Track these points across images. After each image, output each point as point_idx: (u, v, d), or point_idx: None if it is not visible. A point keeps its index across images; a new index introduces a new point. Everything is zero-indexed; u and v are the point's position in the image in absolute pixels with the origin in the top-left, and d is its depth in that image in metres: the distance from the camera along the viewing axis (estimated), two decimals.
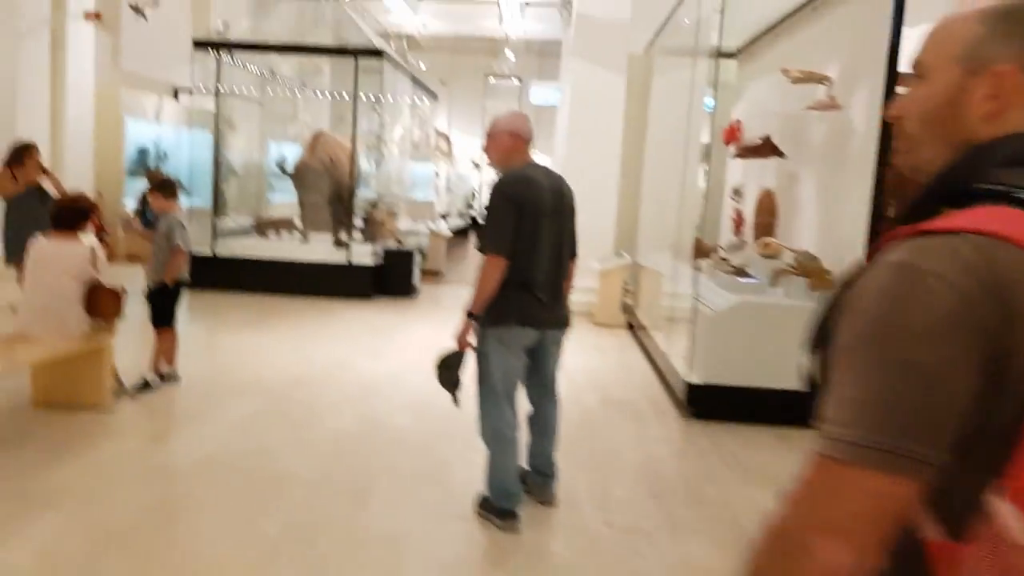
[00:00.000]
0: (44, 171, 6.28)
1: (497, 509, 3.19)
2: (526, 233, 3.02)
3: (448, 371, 3.10)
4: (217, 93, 9.03)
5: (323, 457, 3.82)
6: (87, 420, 4.11)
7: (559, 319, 3.26)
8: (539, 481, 3.45)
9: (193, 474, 3.52)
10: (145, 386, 4.63)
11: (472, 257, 14.95)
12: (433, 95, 13.35)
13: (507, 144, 3.16)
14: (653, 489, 3.68)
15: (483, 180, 20.13)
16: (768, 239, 5.60)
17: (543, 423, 3.44)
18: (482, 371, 3.13)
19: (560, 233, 3.20)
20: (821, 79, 5.20)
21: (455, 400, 3.18)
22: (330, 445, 4.00)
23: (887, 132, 4.40)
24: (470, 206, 19.84)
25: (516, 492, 3.22)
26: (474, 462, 3.81)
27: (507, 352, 3.09)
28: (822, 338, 0.90)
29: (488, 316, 3.03)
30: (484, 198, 19.46)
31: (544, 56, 20.50)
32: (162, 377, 4.76)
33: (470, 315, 3.03)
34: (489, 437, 3.18)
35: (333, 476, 3.59)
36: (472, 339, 3.07)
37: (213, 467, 3.60)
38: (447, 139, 16.97)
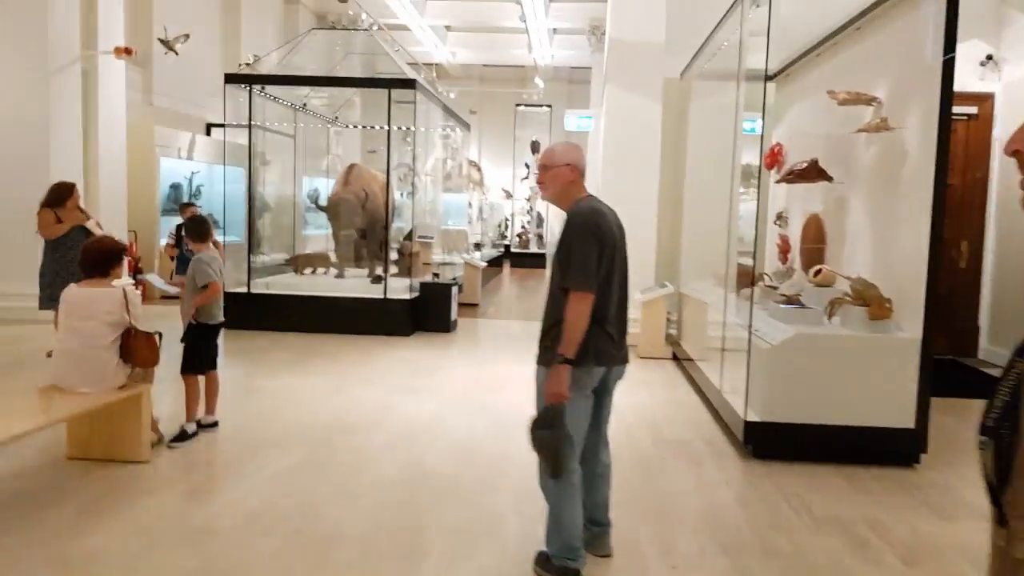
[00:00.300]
0: (82, 212, 6.29)
1: (559, 568, 3.01)
2: (604, 267, 2.93)
3: (550, 432, 2.84)
4: (249, 127, 9.08)
5: (370, 512, 3.68)
6: (124, 474, 4.02)
7: (624, 355, 3.14)
8: (596, 532, 3.26)
9: (235, 534, 3.39)
10: (182, 436, 4.54)
11: (508, 288, 14.83)
12: (465, 125, 13.37)
13: (566, 176, 3.05)
14: (721, 540, 3.46)
15: (515, 209, 20.10)
16: (821, 266, 5.37)
17: (601, 468, 3.26)
18: None
19: (624, 266, 3.11)
20: (869, 100, 5.01)
21: (558, 469, 2.89)
22: (377, 498, 3.86)
23: (944, 154, 4.20)
24: (503, 235, 19.78)
25: (580, 547, 3.04)
26: (528, 515, 3.65)
27: (579, 394, 2.94)
28: (1003, 420, 0.76)
29: (554, 357, 2.88)
30: (516, 227, 19.48)
31: (573, 83, 20.56)
32: (200, 425, 4.68)
33: (566, 360, 2.84)
34: (554, 488, 3.00)
35: (382, 534, 3.44)
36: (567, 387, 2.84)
37: (256, 526, 3.47)
38: (478, 168, 17.00)
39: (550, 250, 19.50)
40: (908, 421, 4.39)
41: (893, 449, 4.48)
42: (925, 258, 4.26)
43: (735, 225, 5.71)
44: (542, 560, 3.10)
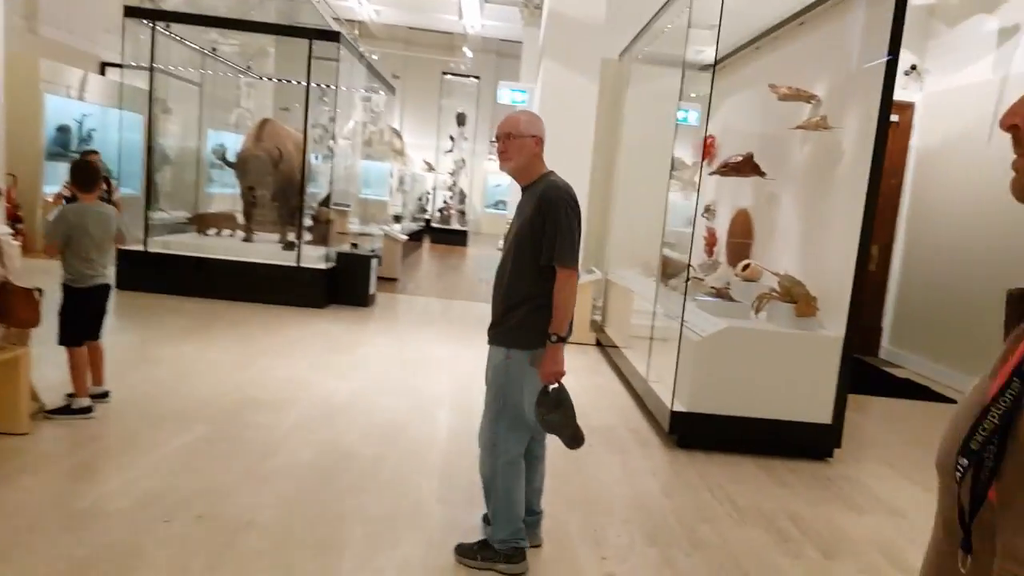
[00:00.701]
0: None
1: (509, 551, 2.91)
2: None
3: (558, 413, 2.79)
4: (151, 69, 8.28)
5: (283, 497, 3.40)
6: None
7: (569, 334, 3.03)
8: (529, 521, 3.13)
9: (128, 520, 3.04)
10: (65, 408, 4.08)
11: (428, 264, 14.50)
12: (390, 88, 12.83)
13: (532, 149, 2.89)
14: (649, 531, 3.42)
15: (437, 183, 19.61)
16: (749, 261, 5.43)
17: (539, 450, 3.16)
18: (510, 399, 2.87)
19: None
20: (809, 97, 5.06)
21: (578, 440, 2.86)
22: (290, 482, 3.57)
23: (880, 157, 4.27)
24: (423, 209, 19.28)
25: (523, 527, 2.97)
26: (453, 502, 3.51)
27: (536, 376, 2.83)
28: (988, 444, 0.75)
29: (524, 337, 2.81)
30: (439, 201, 18.96)
31: (503, 56, 20.21)
32: (91, 397, 4.21)
33: (560, 338, 2.77)
34: (506, 469, 2.91)
35: (296, 522, 3.17)
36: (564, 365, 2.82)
37: (152, 510, 3.13)
38: (399, 136, 16.44)
39: (473, 228, 19.25)
40: (825, 417, 4.51)
41: (809, 443, 4.59)
42: (852, 259, 4.34)
43: (668, 215, 5.69)
44: (470, 551, 2.97)
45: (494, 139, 2.97)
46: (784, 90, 5.03)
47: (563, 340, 2.79)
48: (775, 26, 5.77)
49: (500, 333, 2.89)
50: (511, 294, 2.86)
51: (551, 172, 2.94)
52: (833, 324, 4.54)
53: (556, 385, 2.81)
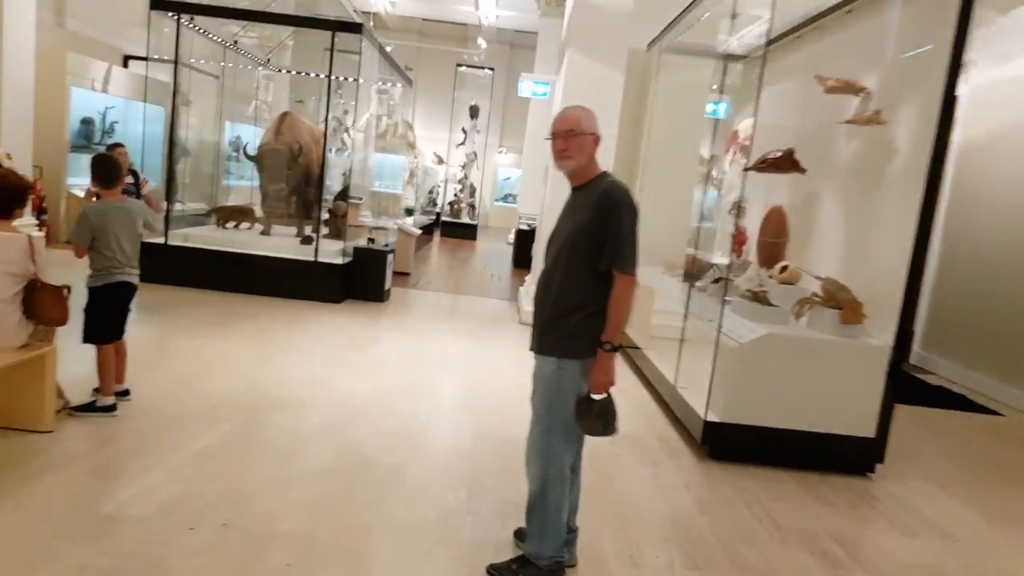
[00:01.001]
0: None
1: (551, 568, 2.79)
2: None
3: (606, 418, 2.69)
4: (176, 62, 8.12)
5: (307, 505, 3.24)
6: (22, 445, 3.49)
7: None
8: (567, 538, 2.96)
9: (152, 527, 2.89)
10: (89, 406, 3.96)
11: (439, 258, 14.31)
12: (408, 80, 12.63)
13: (591, 148, 2.72)
14: (688, 551, 3.24)
15: (448, 176, 19.38)
16: (786, 262, 5.21)
17: (577, 466, 2.99)
18: (564, 410, 2.70)
19: None
20: (859, 90, 4.83)
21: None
22: (314, 488, 3.41)
23: (941, 154, 4.04)
24: (433, 202, 19.07)
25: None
26: (484, 515, 3.36)
27: (585, 385, 2.68)
28: None
29: (576, 347, 2.65)
30: (449, 195, 18.70)
31: (516, 47, 19.92)
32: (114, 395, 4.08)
33: (614, 347, 2.63)
34: (558, 481, 2.76)
35: (323, 532, 3.02)
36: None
37: (176, 517, 2.98)
38: (412, 129, 16.24)
39: (482, 222, 19.00)
40: (869, 430, 4.30)
41: (850, 457, 4.38)
42: (906, 262, 4.11)
43: (699, 212, 5.49)
44: (508, 571, 2.82)
45: (548, 136, 2.76)
46: (832, 82, 4.80)
47: (616, 349, 2.63)
48: (820, 14, 5.51)
49: (550, 342, 2.71)
50: (562, 300, 2.67)
51: (607, 172, 2.76)
52: (879, 332, 4.33)
53: (605, 395, 2.65)
